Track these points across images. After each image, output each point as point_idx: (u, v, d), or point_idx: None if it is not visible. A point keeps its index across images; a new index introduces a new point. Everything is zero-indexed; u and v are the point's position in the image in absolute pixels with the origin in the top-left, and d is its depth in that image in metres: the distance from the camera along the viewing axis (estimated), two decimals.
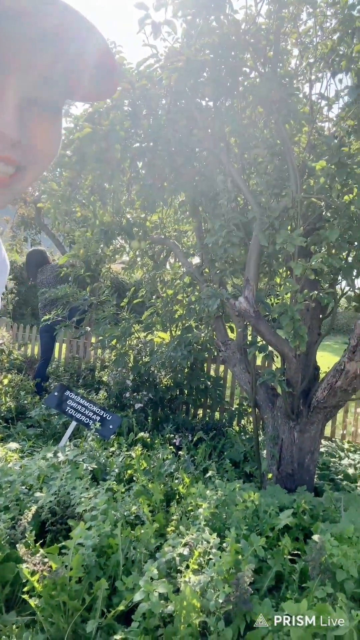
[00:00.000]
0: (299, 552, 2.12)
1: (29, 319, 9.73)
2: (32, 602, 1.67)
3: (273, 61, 2.66)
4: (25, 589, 1.70)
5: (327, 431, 4.17)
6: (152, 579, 1.68)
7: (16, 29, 0.38)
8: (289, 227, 2.59)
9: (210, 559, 1.84)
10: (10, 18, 0.37)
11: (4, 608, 1.84)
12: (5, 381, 4.63)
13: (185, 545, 1.93)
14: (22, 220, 9.38)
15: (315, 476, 3.02)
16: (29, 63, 0.41)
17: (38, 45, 0.40)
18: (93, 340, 5.51)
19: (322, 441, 3.86)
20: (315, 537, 1.91)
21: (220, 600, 1.62)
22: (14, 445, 3.21)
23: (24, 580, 1.73)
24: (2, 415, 4.14)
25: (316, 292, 2.49)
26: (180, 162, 2.94)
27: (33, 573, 1.70)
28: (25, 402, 4.39)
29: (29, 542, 1.90)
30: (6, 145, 0.42)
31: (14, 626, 1.73)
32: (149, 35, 2.55)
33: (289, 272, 3.11)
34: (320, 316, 3.01)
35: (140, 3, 2.43)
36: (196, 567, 1.81)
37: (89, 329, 5.11)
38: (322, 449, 3.80)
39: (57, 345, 5.67)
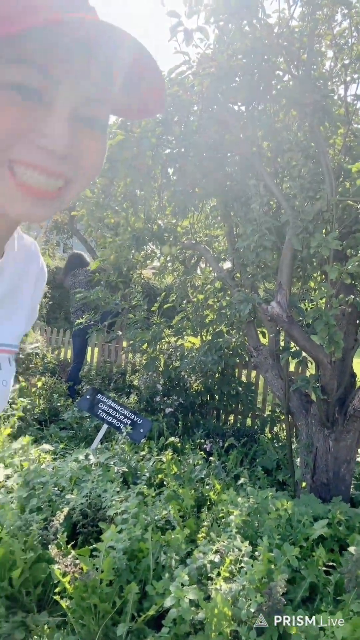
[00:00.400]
0: (334, 564, 2.06)
1: (62, 322, 9.91)
2: (64, 603, 1.69)
3: (307, 63, 2.63)
4: (57, 589, 1.71)
5: None
6: (182, 584, 1.66)
7: (53, 40, 0.39)
8: (323, 231, 2.54)
9: (242, 567, 1.81)
10: (46, 29, 0.38)
11: (35, 608, 1.87)
12: (39, 384, 4.73)
13: (216, 552, 1.90)
14: (55, 225, 9.61)
15: (352, 486, 2.93)
16: (71, 74, 0.42)
17: (75, 56, 0.41)
18: (124, 344, 5.56)
19: (359, 451, 3.75)
20: (351, 548, 1.85)
21: (252, 610, 1.59)
22: (47, 447, 3.26)
23: (56, 581, 1.75)
24: (36, 417, 4.22)
25: (352, 296, 2.43)
26: (212, 168, 2.94)
27: (64, 574, 1.72)
28: (58, 404, 4.47)
29: (61, 543, 1.93)
30: (58, 159, 0.43)
31: (46, 626, 1.75)
32: (181, 43, 2.57)
33: (323, 277, 3.05)
34: (357, 321, 2.93)
35: (172, 11, 2.46)
36: (227, 574, 1.79)
37: (120, 333, 5.16)
38: (358, 459, 3.68)
39: (89, 349, 5.75)
